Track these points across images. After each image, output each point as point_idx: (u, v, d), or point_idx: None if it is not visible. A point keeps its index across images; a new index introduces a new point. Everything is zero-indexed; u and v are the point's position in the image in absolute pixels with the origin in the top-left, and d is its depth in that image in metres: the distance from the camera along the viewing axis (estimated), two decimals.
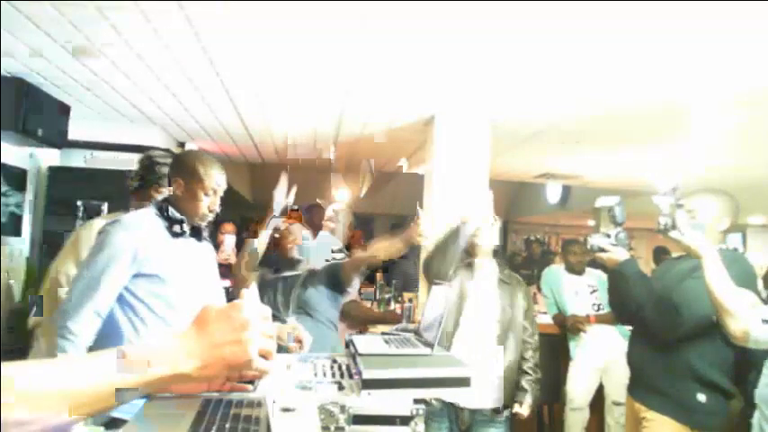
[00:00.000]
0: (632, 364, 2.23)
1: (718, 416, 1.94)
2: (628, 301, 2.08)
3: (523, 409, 2.43)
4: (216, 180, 1.77)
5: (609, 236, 2.09)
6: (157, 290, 1.66)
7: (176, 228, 1.73)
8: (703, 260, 1.69)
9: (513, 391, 2.44)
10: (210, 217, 1.80)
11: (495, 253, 2.62)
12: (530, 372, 2.48)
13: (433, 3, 2.09)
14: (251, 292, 0.79)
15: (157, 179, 2.11)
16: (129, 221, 1.70)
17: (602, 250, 2.07)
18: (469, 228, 2.54)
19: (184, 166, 1.79)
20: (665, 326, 1.94)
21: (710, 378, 1.93)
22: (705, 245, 1.71)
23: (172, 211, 1.74)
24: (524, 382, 2.46)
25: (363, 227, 7.54)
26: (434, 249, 2.59)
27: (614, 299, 2.26)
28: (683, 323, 1.89)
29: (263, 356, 0.73)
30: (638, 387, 2.16)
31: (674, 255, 2.24)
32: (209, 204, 1.76)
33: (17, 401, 0.59)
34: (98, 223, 2.14)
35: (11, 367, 0.61)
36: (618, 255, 2.06)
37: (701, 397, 1.93)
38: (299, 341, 1.73)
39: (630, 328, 3.58)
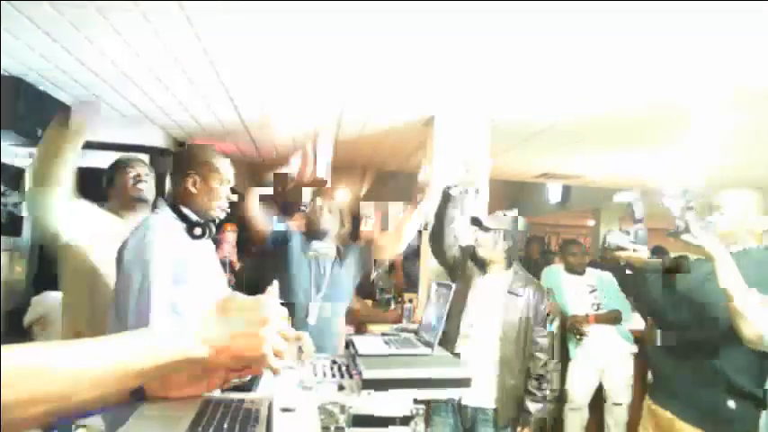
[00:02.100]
0: (655, 369, 2.14)
1: (747, 423, 1.83)
2: (648, 302, 2.00)
3: (526, 430, 2.39)
4: (229, 171, 1.75)
5: (628, 233, 1.98)
6: (183, 292, 1.60)
7: (197, 230, 1.68)
8: (715, 262, 1.65)
9: (516, 410, 2.39)
10: (226, 210, 1.75)
11: (510, 262, 2.50)
12: (535, 391, 2.39)
13: (433, 2, 2.08)
14: (274, 290, 0.80)
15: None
16: (160, 227, 1.63)
17: (621, 248, 1.98)
18: (455, 190, 2.44)
19: (197, 159, 1.73)
20: (688, 329, 1.87)
21: (738, 384, 1.83)
22: (717, 246, 1.67)
23: (188, 212, 1.69)
24: (529, 403, 2.38)
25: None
26: (434, 219, 2.57)
27: (636, 299, 2.17)
28: (706, 326, 1.82)
29: (276, 355, 0.75)
30: (662, 392, 2.06)
31: (673, 255, 2.20)
32: (226, 196, 1.73)
33: (22, 380, 0.58)
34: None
35: (17, 348, 0.60)
36: (638, 253, 1.97)
37: (731, 404, 1.82)
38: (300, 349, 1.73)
39: (631, 328, 3.61)
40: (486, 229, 2.48)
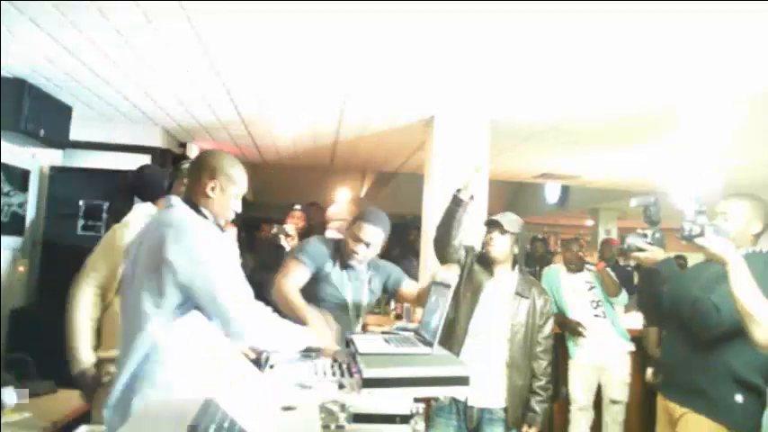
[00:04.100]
0: (667, 365, 2.19)
1: (755, 416, 1.86)
2: (663, 301, 2.06)
3: (533, 430, 2.40)
4: (245, 186, 1.86)
5: (645, 235, 2.09)
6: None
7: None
8: (728, 266, 1.67)
9: (523, 411, 2.41)
10: (231, 217, 1.87)
11: (514, 263, 2.53)
12: (540, 392, 2.42)
13: (433, 3, 2.10)
14: None
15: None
16: (206, 224, 1.77)
17: (640, 249, 2.07)
18: (464, 195, 2.41)
19: (221, 168, 1.80)
20: (703, 326, 1.93)
21: (748, 378, 1.90)
22: (730, 251, 1.69)
23: (206, 213, 1.77)
24: (535, 404, 2.40)
25: None
26: (443, 223, 2.50)
27: (648, 299, 2.24)
28: (720, 323, 1.87)
29: None
30: (673, 386, 2.13)
31: (672, 255, 2.24)
32: (235, 207, 1.84)
33: None
34: (134, 217, 2.40)
35: None
36: (655, 254, 2.06)
37: (739, 397, 1.90)
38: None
39: (634, 327, 3.63)
40: (504, 232, 2.49)
